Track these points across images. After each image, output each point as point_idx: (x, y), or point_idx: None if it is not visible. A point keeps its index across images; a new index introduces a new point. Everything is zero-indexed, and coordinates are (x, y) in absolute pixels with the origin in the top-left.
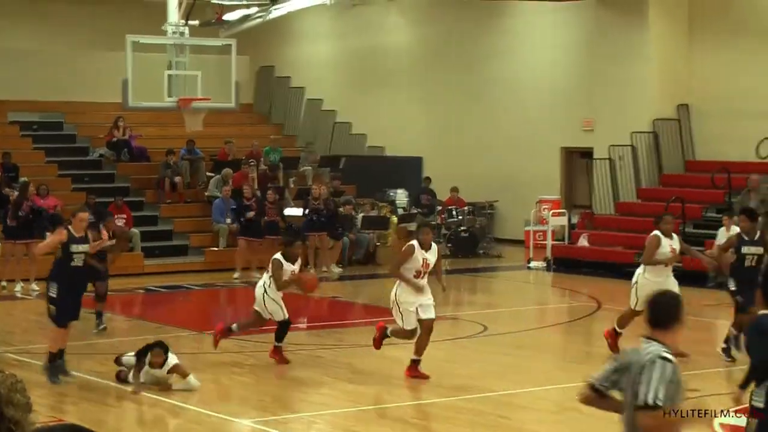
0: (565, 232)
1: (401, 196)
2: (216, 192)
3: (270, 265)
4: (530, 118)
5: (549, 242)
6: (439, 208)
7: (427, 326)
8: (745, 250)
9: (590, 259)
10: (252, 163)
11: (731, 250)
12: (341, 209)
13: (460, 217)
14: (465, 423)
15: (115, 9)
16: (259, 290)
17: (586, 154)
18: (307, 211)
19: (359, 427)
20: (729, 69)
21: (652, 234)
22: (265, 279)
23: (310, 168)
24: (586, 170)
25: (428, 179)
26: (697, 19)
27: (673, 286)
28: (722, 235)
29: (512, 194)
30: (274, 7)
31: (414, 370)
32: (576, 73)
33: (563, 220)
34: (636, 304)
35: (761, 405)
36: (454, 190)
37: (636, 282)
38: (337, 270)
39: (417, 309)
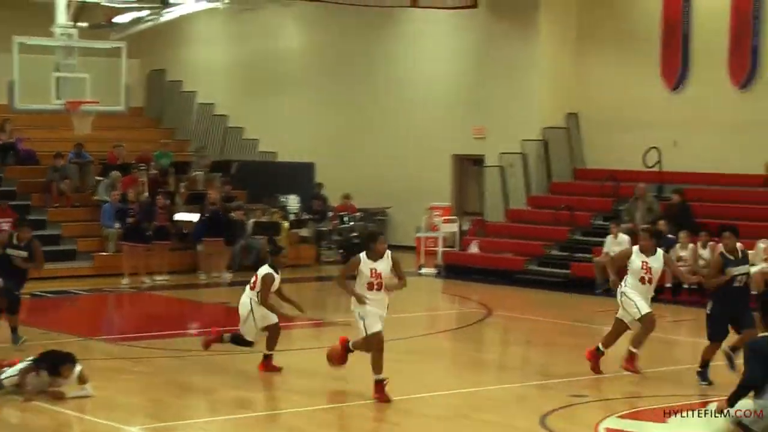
0: (455, 239)
1: (293, 201)
2: (105, 196)
3: (259, 281)
4: (422, 125)
5: (440, 249)
6: (331, 214)
7: (376, 339)
8: (734, 271)
9: (481, 265)
10: (142, 168)
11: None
12: (232, 214)
13: (351, 223)
14: (356, 429)
15: (1, 9)
16: (243, 309)
17: (477, 161)
18: (206, 215)
19: None
20: (617, 79)
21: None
22: (251, 296)
23: (201, 173)
24: (477, 177)
25: (320, 185)
26: (586, 29)
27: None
28: (610, 243)
29: (404, 201)
30: (165, 10)
31: (380, 391)
32: (467, 81)
33: (454, 227)
34: (638, 309)
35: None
36: (346, 196)
37: (622, 296)
38: (227, 275)
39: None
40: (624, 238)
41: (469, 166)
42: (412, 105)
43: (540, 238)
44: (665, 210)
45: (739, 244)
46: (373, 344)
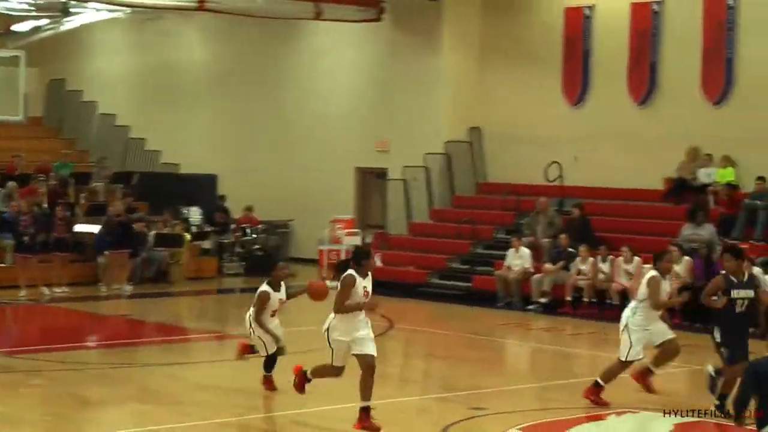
0: None
1: (195, 213)
2: (2, 206)
3: (256, 299)
4: (325, 137)
5: None
6: (233, 226)
7: (366, 363)
8: (734, 294)
9: (383, 278)
10: (41, 178)
11: (719, 294)
12: (134, 226)
13: (254, 236)
14: None
15: None
16: (247, 323)
17: (380, 174)
18: (110, 227)
19: None
20: (519, 94)
21: (652, 275)
22: (250, 312)
23: (102, 184)
24: (380, 190)
25: (223, 197)
26: (488, 45)
27: (664, 327)
28: (511, 256)
29: (307, 213)
30: (65, 19)
31: (365, 420)
32: (371, 94)
33: (357, 240)
34: (628, 353)
35: None
36: (248, 208)
37: (626, 326)
38: (128, 288)
39: (350, 344)
40: (525, 251)
41: (372, 179)
42: (316, 118)
43: (442, 252)
44: (566, 224)
45: (747, 266)
46: (334, 375)
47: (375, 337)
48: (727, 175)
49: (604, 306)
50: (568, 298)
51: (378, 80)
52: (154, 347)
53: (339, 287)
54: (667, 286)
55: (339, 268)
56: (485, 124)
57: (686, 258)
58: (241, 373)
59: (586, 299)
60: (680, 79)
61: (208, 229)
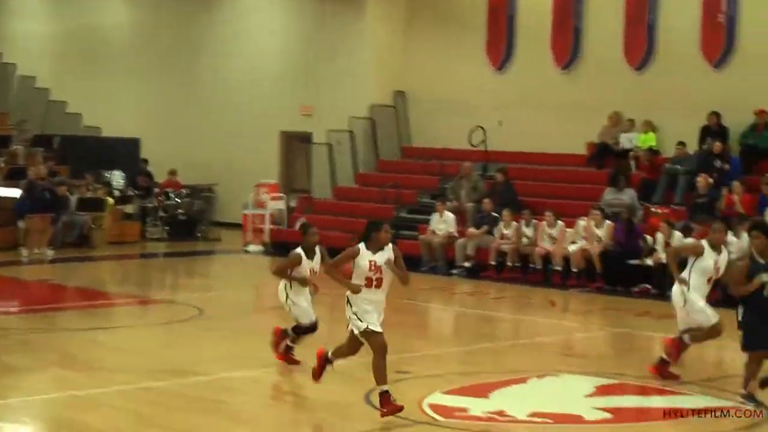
0: (283, 216)
1: (117, 177)
2: None
3: (287, 259)
4: (249, 102)
5: (267, 226)
6: (156, 190)
7: (377, 343)
8: (764, 277)
9: None
10: None
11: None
12: (56, 190)
13: (177, 200)
14: (181, 408)
15: None
16: (281, 296)
17: (305, 138)
18: (31, 191)
19: (70, 413)
20: (443, 58)
21: (698, 242)
22: (284, 282)
23: (21, 147)
24: (305, 155)
25: (145, 161)
26: (413, 9)
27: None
28: (436, 221)
29: (231, 178)
30: None
31: (388, 404)
32: (295, 59)
33: (281, 204)
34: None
35: None
36: (172, 172)
37: (685, 301)
38: (49, 252)
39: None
40: (449, 216)
41: (296, 144)
42: (240, 82)
43: (367, 216)
44: (490, 188)
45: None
46: (375, 349)
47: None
48: (648, 140)
49: (528, 270)
50: (492, 263)
51: (302, 44)
52: (76, 312)
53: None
54: (720, 259)
55: (358, 237)
56: (410, 88)
57: (608, 222)
58: (164, 338)
59: (509, 263)
60: (603, 44)
61: (130, 193)
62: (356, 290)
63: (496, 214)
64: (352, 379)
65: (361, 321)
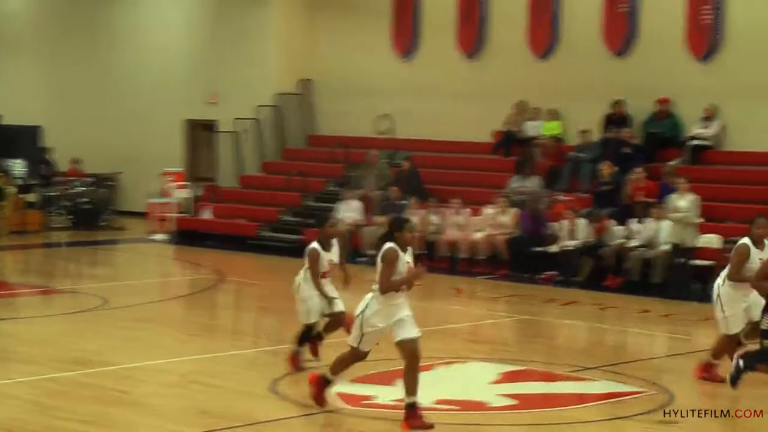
0: (188, 205)
1: (19, 166)
2: None
3: (306, 258)
4: (153, 89)
5: (172, 215)
6: (60, 179)
7: (410, 350)
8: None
9: (214, 231)
10: None
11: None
12: None
13: (81, 189)
14: (84, 398)
15: None
16: (295, 286)
17: (210, 126)
18: None
19: None
20: (349, 46)
21: (740, 243)
22: (301, 275)
23: None
24: (210, 143)
25: (47, 149)
26: None
27: (757, 299)
28: (342, 209)
29: (135, 166)
30: None
31: (414, 419)
32: (199, 46)
33: (187, 193)
34: (727, 326)
35: None
36: (75, 161)
37: (719, 297)
38: None
39: (391, 328)
40: (356, 204)
41: (201, 132)
42: (144, 69)
43: (273, 204)
44: (396, 176)
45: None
46: (406, 356)
47: (205, 290)
48: (553, 127)
49: (434, 258)
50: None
51: (208, 31)
52: None
53: (381, 264)
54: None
55: (380, 239)
56: (316, 76)
57: (513, 209)
58: (68, 329)
59: (416, 251)
60: (508, 33)
61: (32, 182)
62: (420, 274)
63: (403, 202)
64: (258, 366)
65: (394, 331)
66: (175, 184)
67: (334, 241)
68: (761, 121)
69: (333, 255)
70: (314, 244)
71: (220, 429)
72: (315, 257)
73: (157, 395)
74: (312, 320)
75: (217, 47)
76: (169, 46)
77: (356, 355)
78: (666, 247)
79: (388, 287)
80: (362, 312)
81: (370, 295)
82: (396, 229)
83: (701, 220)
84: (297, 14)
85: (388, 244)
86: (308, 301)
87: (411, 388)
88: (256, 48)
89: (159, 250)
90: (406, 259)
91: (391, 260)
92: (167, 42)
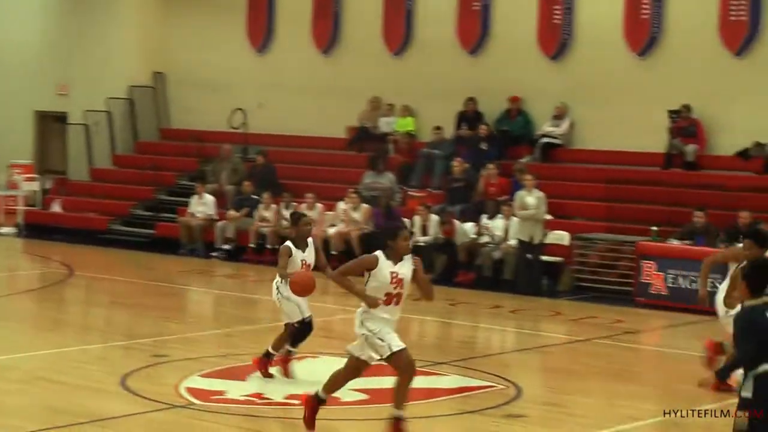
0: (37, 198)
1: None
2: None
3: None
4: (3, 79)
5: (20, 207)
6: None
7: (404, 360)
8: None
9: (64, 225)
10: None
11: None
12: None
13: None
14: None
15: None
16: (274, 293)
17: (61, 118)
18: None
19: None
20: (203, 39)
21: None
22: (277, 278)
23: None
24: (60, 135)
25: None
26: None
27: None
28: (195, 203)
29: None
30: None
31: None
32: (50, 37)
33: (36, 185)
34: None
35: (749, 395)
36: None
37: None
38: None
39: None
40: (209, 198)
41: (52, 124)
42: None
43: (125, 198)
44: (250, 171)
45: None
46: (401, 367)
47: (54, 284)
48: (406, 124)
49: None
50: (252, 245)
51: (59, 21)
52: None
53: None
54: None
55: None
56: (169, 69)
57: (365, 205)
58: None
59: (269, 246)
60: (362, 29)
61: None
62: (374, 304)
63: (256, 197)
64: (108, 362)
65: (382, 341)
66: (24, 176)
67: (310, 241)
68: (608, 119)
69: (307, 255)
70: (288, 243)
71: (66, 425)
72: (286, 254)
73: (3, 393)
74: (306, 314)
75: (70, 37)
76: (19, 35)
77: (356, 367)
78: (514, 243)
79: (337, 277)
80: (369, 330)
81: (360, 310)
82: (389, 238)
83: (549, 217)
84: (152, 6)
85: (376, 252)
86: (292, 296)
87: (399, 402)
88: (110, 39)
89: (6, 243)
90: (404, 269)
91: (363, 261)
92: (17, 31)
